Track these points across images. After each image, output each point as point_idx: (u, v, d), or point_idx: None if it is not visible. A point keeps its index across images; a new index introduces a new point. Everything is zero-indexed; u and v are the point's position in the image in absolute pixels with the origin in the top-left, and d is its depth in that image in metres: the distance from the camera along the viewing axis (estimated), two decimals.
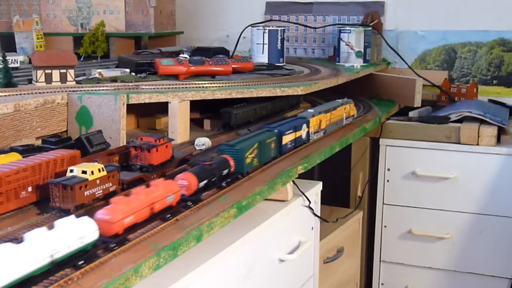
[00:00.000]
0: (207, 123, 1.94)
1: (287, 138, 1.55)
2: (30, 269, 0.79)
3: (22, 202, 1.10)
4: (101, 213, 0.95)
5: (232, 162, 1.29)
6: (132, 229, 1.00)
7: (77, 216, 0.91)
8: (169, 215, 1.08)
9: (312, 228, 1.77)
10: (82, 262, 0.88)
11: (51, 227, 0.86)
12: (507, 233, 2.24)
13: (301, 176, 1.57)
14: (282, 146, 1.53)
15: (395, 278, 2.43)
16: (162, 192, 1.06)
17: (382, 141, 2.35)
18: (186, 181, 1.15)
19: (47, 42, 2.45)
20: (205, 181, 1.19)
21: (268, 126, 1.55)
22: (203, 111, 2.06)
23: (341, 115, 1.89)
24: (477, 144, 2.22)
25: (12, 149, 1.28)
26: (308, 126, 1.66)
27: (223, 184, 1.26)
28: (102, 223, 0.93)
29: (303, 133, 1.64)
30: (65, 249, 0.85)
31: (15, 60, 2.00)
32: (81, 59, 2.45)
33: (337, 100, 1.95)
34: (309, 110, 1.73)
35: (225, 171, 1.25)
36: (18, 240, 0.90)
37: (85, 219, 0.91)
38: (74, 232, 0.87)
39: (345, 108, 1.91)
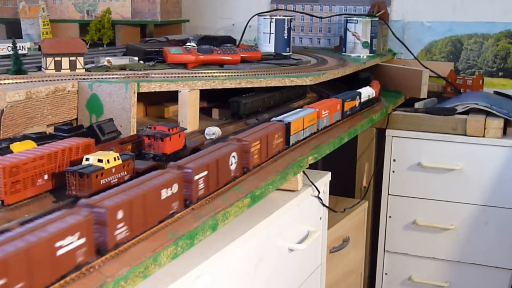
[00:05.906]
0: (215, 112, 1.94)
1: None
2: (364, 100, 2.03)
3: (38, 189, 1.10)
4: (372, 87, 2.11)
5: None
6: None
7: None
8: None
9: (321, 218, 1.78)
10: (369, 107, 2.08)
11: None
12: (511, 225, 2.25)
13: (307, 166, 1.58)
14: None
15: (399, 268, 2.45)
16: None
17: (388, 132, 2.35)
18: (374, 90, 2.15)
19: (53, 29, 2.44)
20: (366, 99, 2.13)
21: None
22: (210, 100, 2.05)
23: None
24: (483, 136, 2.22)
25: (25, 137, 1.28)
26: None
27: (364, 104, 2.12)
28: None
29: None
30: (372, 94, 2.08)
31: (22, 46, 1.99)
32: (87, 46, 2.43)
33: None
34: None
35: (372, 96, 2.18)
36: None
37: (371, 88, 2.10)
38: (371, 92, 2.08)
39: None
